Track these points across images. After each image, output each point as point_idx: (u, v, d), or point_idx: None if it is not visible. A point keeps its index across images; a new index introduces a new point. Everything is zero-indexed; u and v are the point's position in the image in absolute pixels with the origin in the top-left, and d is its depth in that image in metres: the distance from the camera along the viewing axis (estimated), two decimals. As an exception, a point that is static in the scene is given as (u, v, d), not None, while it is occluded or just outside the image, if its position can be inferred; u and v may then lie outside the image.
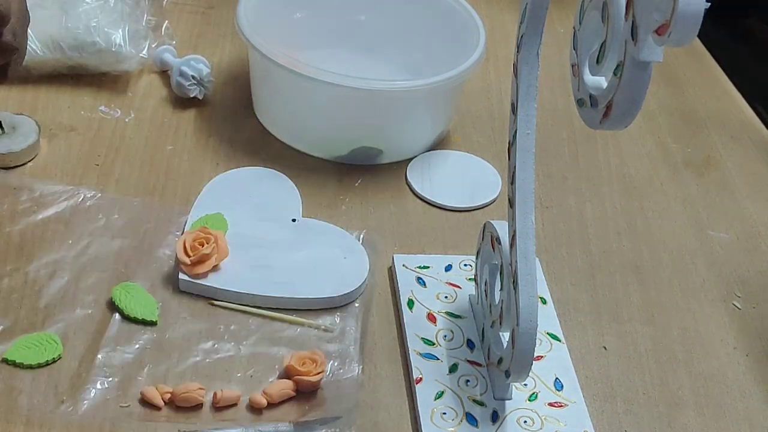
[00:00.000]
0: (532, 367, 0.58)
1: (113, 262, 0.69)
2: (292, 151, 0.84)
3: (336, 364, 0.64)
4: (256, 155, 0.83)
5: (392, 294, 0.71)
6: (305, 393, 0.62)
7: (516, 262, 0.58)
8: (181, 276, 0.68)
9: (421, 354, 0.66)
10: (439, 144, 0.88)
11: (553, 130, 0.92)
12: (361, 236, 0.74)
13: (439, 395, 0.63)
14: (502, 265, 0.62)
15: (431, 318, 0.69)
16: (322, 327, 0.67)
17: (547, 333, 0.69)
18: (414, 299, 0.70)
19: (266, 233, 0.72)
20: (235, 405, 0.61)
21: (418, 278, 0.72)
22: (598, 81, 0.49)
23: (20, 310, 0.64)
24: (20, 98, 0.85)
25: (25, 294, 0.66)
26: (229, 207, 0.74)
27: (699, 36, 0.41)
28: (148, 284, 0.68)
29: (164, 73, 0.91)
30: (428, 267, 0.73)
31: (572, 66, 0.52)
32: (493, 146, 0.89)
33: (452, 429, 0.61)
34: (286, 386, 0.61)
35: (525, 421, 0.62)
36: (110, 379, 0.61)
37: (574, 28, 0.52)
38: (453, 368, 0.65)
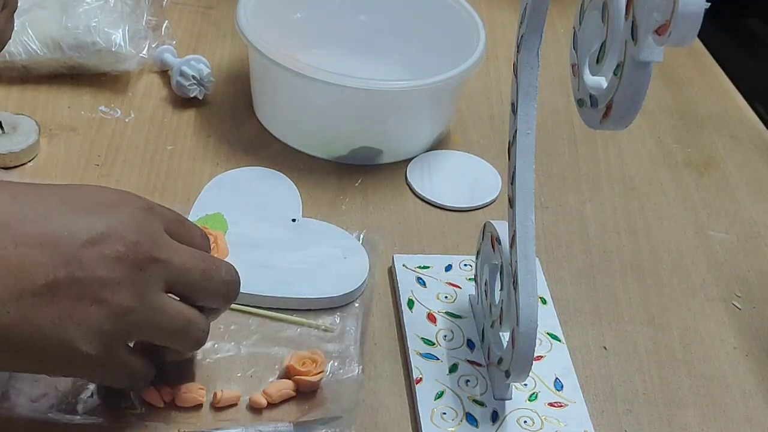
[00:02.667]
0: (532, 367, 0.58)
1: (113, 262, 0.69)
2: (292, 151, 0.84)
3: (336, 364, 0.64)
4: (256, 155, 0.83)
5: (392, 294, 0.71)
6: (305, 393, 0.62)
7: (516, 262, 0.58)
8: (181, 276, 0.68)
9: (421, 354, 0.66)
10: (439, 144, 0.88)
11: (553, 130, 0.92)
12: (361, 236, 0.74)
13: (439, 395, 0.63)
14: (502, 265, 0.62)
15: (431, 318, 0.69)
16: (322, 327, 0.67)
17: (547, 333, 0.69)
18: (414, 299, 0.70)
19: (266, 233, 0.72)
20: (235, 405, 0.61)
21: (418, 278, 0.72)
22: (598, 81, 0.49)
23: (20, 310, 0.64)
24: (20, 98, 0.85)
25: (25, 294, 0.66)
26: (229, 207, 0.74)
27: (699, 36, 0.41)
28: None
29: (164, 73, 0.91)
30: (428, 267, 0.73)
31: (572, 66, 0.52)
32: (493, 146, 0.89)
33: (452, 429, 0.61)
34: (286, 386, 0.61)
35: (525, 421, 0.62)
36: (110, 379, 0.61)
37: (574, 28, 0.52)
38: (453, 368, 0.65)
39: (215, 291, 0.55)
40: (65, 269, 0.48)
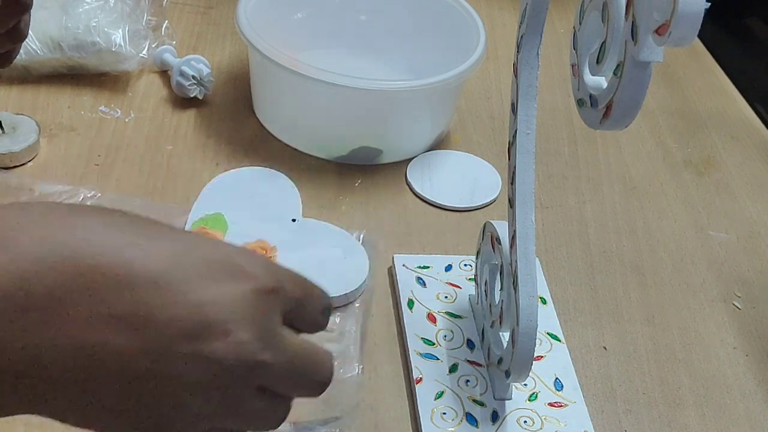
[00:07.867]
0: (532, 367, 0.58)
1: (113, 262, 0.69)
2: (292, 151, 0.84)
3: (336, 364, 0.64)
4: (256, 155, 0.83)
5: (392, 294, 0.71)
6: (305, 393, 0.62)
7: (516, 262, 0.58)
8: (181, 276, 0.68)
9: (421, 354, 0.66)
10: (439, 144, 0.88)
11: (553, 130, 0.92)
12: (361, 236, 0.74)
13: (439, 395, 0.63)
14: (502, 265, 0.62)
15: (431, 318, 0.69)
16: (322, 327, 0.67)
17: (547, 333, 0.69)
18: (414, 299, 0.70)
19: (266, 233, 0.72)
20: (235, 405, 0.61)
21: (418, 278, 0.72)
22: (598, 81, 0.49)
23: (20, 310, 0.64)
24: (20, 98, 0.85)
25: (25, 294, 0.66)
26: (229, 207, 0.74)
27: (699, 36, 0.41)
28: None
29: (164, 73, 0.91)
30: (428, 267, 0.73)
31: (572, 66, 0.52)
32: (493, 146, 0.89)
33: (452, 429, 0.61)
34: (286, 386, 0.61)
35: (525, 421, 0.62)
36: (110, 379, 0.61)
37: (574, 28, 0.52)
38: (453, 368, 0.65)
39: (307, 388, 0.45)
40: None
